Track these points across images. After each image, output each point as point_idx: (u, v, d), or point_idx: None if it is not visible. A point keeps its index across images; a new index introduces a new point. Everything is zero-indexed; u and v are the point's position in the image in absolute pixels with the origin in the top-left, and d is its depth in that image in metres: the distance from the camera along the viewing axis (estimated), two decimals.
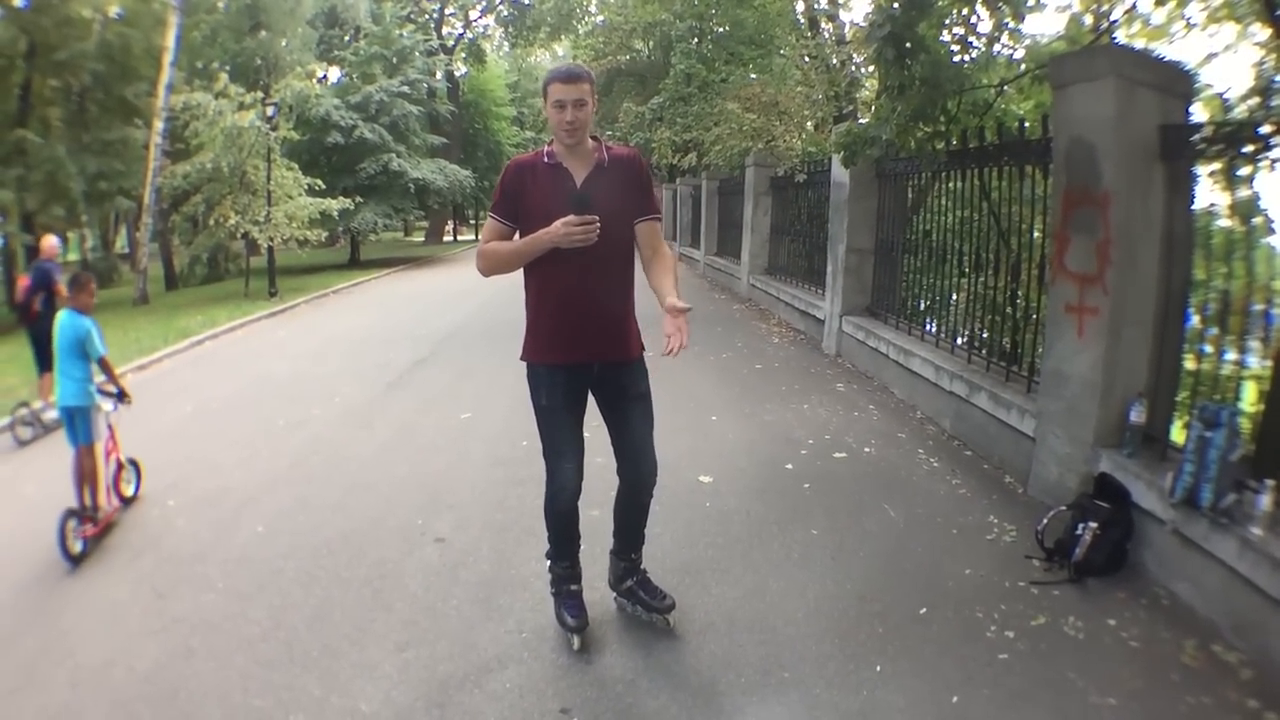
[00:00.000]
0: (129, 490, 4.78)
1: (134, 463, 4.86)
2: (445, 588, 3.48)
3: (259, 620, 3.28)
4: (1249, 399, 3.75)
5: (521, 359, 2.91)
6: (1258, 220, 3.55)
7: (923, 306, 6.69)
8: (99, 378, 4.56)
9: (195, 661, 3.02)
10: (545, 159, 2.79)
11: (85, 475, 4.28)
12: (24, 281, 7.70)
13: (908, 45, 4.44)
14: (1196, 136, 3.34)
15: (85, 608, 3.54)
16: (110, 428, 4.66)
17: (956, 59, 4.89)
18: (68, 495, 4.24)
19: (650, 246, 2.88)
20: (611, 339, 2.84)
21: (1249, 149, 3.01)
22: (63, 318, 4.45)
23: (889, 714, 2.55)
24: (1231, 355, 3.32)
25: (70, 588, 3.76)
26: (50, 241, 7.90)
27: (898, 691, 2.65)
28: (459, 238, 38.79)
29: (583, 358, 2.82)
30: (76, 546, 3.99)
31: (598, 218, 2.62)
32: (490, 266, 2.82)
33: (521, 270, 2.84)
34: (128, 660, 3.06)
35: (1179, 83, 3.68)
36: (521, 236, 2.77)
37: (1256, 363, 3.62)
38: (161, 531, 4.35)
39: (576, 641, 2.96)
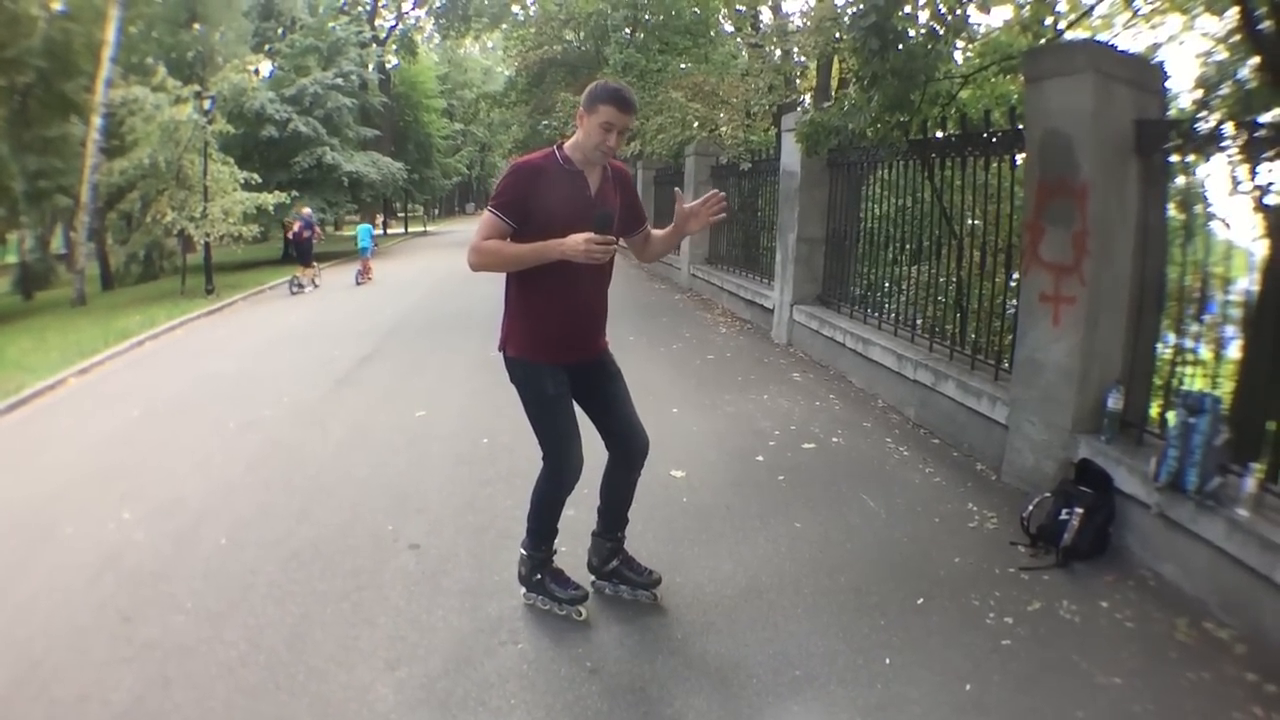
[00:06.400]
0: (371, 278, 16.00)
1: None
2: (429, 597, 3.30)
3: (235, 642, 3.03)
4: (1197, 386, 3.91)
5: (515, 357, 2.88)
6: (1199, 210, 3.73)
7: (880, 296, 6.76)
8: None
9: (174, 691, 2.76)
10: (561, 163, 2.75)
11: (365, 267, 16.35)
12: (297, 225, 15.77)
13: (889, 36, 4.46)
14: (1172, 132, 3.44)
15: (52, 636, 3.20)
16: (370, 254, 16.65)
17: (926, 49, 4.92)
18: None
19: (645, 241, 3.14)
20: (598, 337, 2.99)
21: (1239, 144, 3.09)
22: (365, 226, 17.60)
23: (906, 706, 2.54)
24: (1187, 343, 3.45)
25: (36, 609, 3.44)
26: (306, 211, 16.59)
27: (910, 683, 2.64)
28: (389, 230, 37.87)
29: (584, 358, 2.94)
30: (357, 281, 15.83)
31: (616, 239, 2.73)
32: (487, 264, 2.75)
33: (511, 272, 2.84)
34: (102, 693, 2.79)
35: (1152, 79, 3.78)
36: (525, 238, 2.69)
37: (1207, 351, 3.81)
38: (120, 546, 4.01)
39: (584, 612, 3.04)
